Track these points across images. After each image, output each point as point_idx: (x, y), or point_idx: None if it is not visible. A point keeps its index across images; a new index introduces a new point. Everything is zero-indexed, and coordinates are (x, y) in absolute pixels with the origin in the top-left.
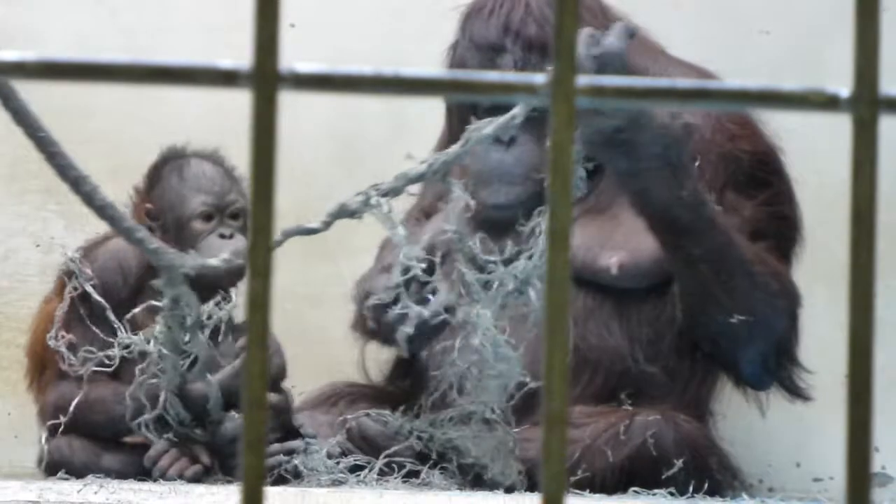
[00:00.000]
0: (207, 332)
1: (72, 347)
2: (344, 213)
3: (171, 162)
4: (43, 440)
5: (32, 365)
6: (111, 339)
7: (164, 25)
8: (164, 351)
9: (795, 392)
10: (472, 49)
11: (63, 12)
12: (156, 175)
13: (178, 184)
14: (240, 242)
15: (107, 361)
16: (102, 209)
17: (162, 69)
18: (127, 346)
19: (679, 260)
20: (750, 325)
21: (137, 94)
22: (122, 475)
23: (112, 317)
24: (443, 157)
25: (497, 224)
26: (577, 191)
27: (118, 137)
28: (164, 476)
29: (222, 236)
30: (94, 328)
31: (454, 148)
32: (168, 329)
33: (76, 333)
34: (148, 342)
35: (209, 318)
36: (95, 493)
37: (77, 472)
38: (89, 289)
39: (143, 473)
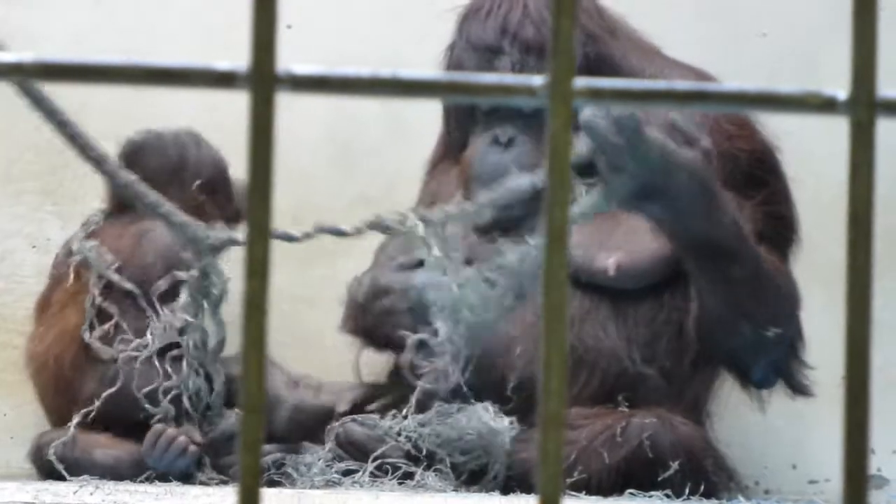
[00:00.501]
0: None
1: (106, 338)
2: (378, 226)
3: (152, 142)
4: (72, 428)
5: (41, 363)
6: (146, 323)
7: (162, 27)
8: (189, 320)
9: (800, 389)
10: (470, 51)
11: (61, 13)
12: (142, 156)
13: (178, 160)
14: None
15: (142, 350)
16: (127, 187)
17: (159, 70)
18: (167, 326)
19: (717, 282)
20: (776, 334)
21: (135, 96)
22: (114, 470)
23: (144, 303)
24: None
25: (496, 225)
26: None
27: (115, 139)
28: (164, 455)
29: None
30: (127, 315)
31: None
32: (193, 300)
33: (110, 322)
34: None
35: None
36: (91, 493)
37: (70, 469)
38: (115, 277)
39: (136, 468)
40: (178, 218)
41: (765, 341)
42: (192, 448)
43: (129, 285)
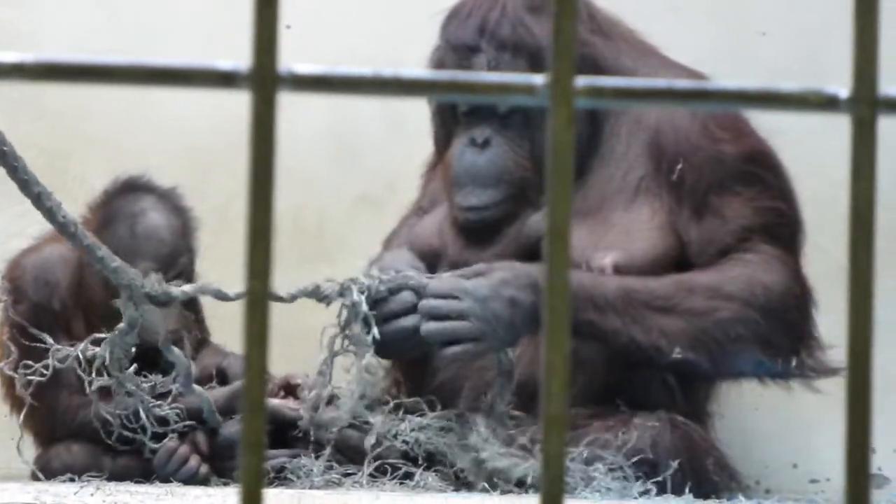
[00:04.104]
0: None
1: (20, 366)
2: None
3: (126, 203)
4: (21, 453)
5: (4, 384)
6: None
7: (162, 29)
8: (114, 375)
9: (819, 372)
10: (450, 51)
11: (62, 15)
12: (109, 212)
13: (130, 240)
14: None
15: (44, 371)
16: (64, 226)
17: (161, 70)
18: (64, 359)
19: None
20: (711, 351)
21: (135, 96)
22: (122, 477)
23: (42, 335)
24: None
25: (473, 226)
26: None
27: (116, 139)
28: (175, 474)
29: None
30: (34, 344)
31: None
32: (112, 354)
33: (23, 353)
34: (91, 360)
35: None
36: (92, 494)
37: (78, 475)
38: (9, 308)
39: (144, 475)
40: (113, 262)
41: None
42: (203, 469)
43: (17, 318)
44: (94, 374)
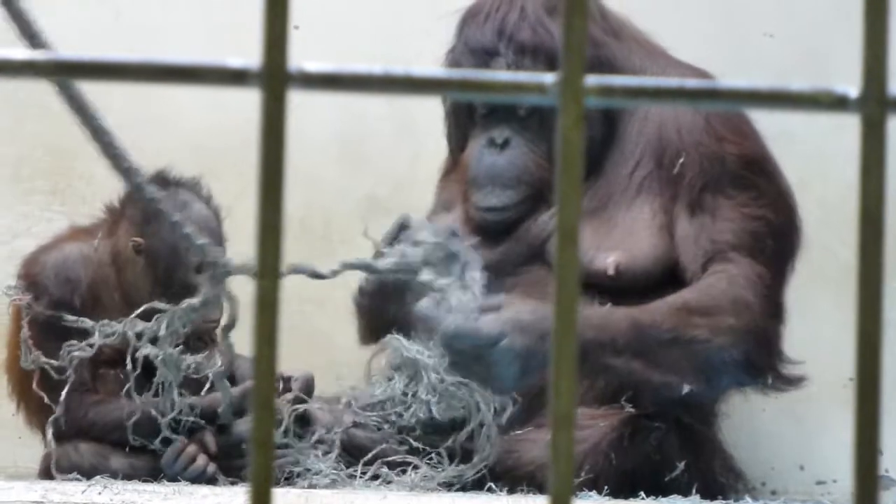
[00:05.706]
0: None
1: (49, 357)
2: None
3: (166, 196)
4: (51, 446)
5: (13, 382)
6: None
7: (169, 27)
8: (167, 351)
9: (788, 384)
10: (467, 53)
11: (68, 13)
12: (151, 210)
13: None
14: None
15: (88, 349)
16: (152, 202)
17: (172, 68)
18: (111, 335)
19: (604, 372)
20: (707, 377)
21: (142, 95)
22: (130, 477)
23: (81, 319)
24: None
25: (491, 226)
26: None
27: (123, 139)
28: (182, 474)
29: None
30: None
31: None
32: (169, 327)
33: (46, 349)
34: (139, 336)
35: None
36: (99, 493)
37: (86, 475)
38: (40, 309)
39: (152, 475)
40: (199, 239)
41: (696, 388)
42: (211, 469)
43: (38, 309)
44: (140, 344)
